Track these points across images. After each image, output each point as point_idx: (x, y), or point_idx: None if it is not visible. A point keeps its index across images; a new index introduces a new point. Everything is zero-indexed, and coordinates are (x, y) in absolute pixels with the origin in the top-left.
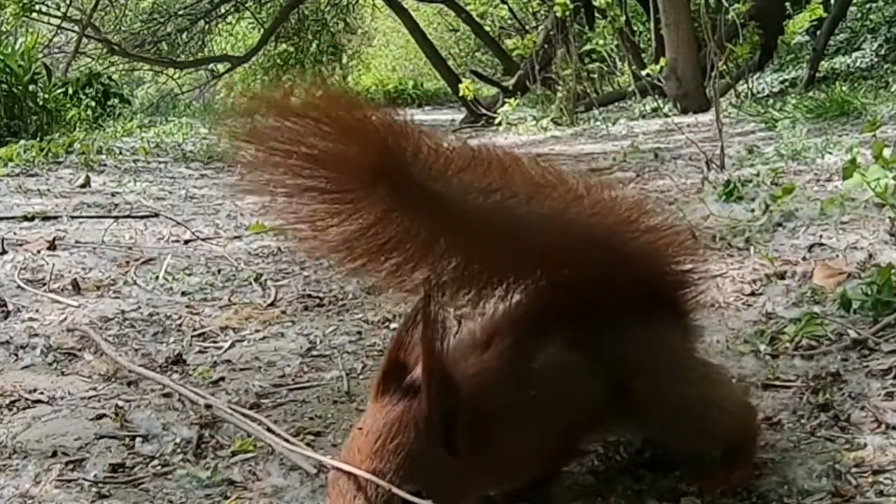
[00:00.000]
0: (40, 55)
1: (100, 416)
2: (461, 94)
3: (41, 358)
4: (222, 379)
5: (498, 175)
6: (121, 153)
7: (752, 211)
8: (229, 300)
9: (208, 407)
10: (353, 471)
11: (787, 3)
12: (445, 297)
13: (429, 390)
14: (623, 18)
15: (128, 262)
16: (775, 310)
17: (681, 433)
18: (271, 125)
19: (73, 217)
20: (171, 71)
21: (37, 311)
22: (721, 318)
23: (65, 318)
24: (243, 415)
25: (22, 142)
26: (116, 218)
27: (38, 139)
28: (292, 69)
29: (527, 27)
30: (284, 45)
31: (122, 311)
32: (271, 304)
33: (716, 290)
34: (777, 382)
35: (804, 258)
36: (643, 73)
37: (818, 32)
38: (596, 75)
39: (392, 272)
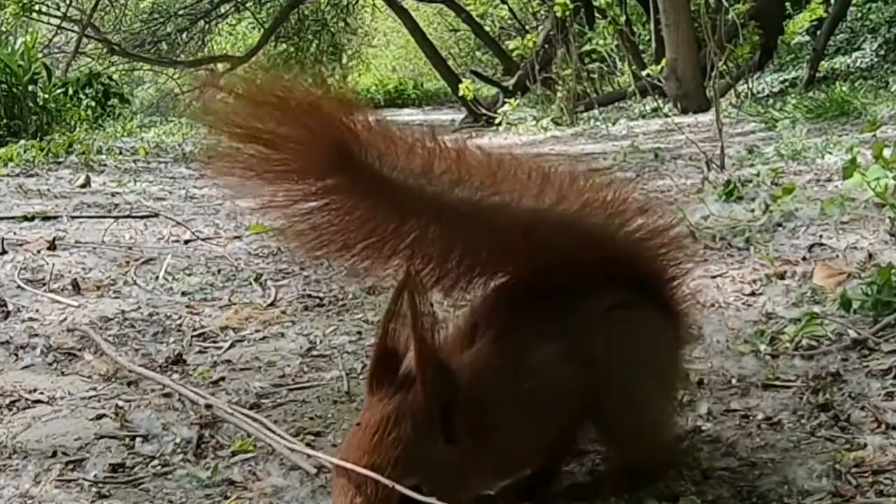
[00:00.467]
0: (40, 55)
1: (100, 416)
2: (461, 94)
3: (41, 358)
4: (222, 379)
5: (453, 162)
6: (121, 153)
7: (752, 211)
8: (229, 300)
9: (208, 407)
10: (351, 467)
11: (787, 3)
12: (425, 285)
13: (423, 380)
14: (623, 18)
15: (128, 262)
16: (775, 310)
17: (609, 429)
18: (234, 108)
19: (73, 217)
20: (171, 71)
21: (37, 311)
22: (721, 318)
23: (65, 318)
24: (243, 415)
25: (22, 142)
26: (116, 218)
27: (38, 139)
28: (292, 69)
29: (527, 27)
30: (284, 45)
31: (122, 311)
32: (271, 304)
33: (716, 290)
34: (777, 382)
35: (804, 258)
36: (643, 73)
37: (818, 32)
38: (596, 75)
39: (366, 258)
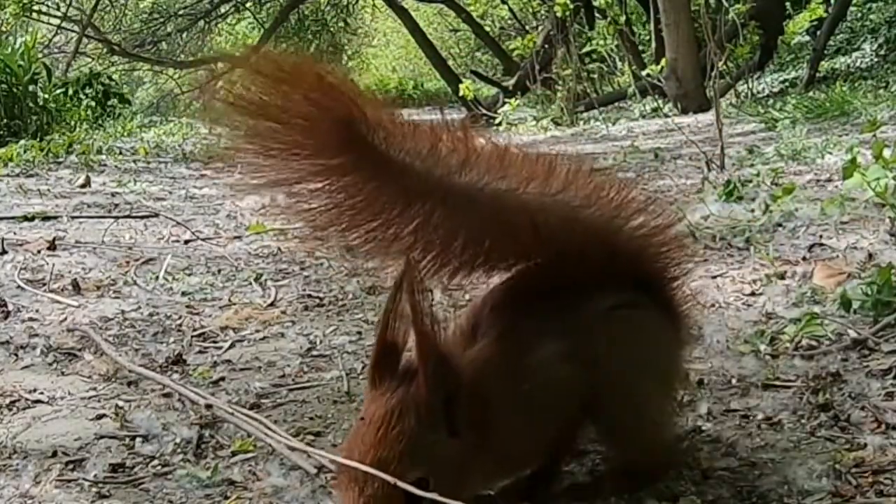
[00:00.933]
0: (40, 55)
1: (100, 416)
2: (461, 94)
3: (41, 358)
4: (222, 379)
5: (460, 145)
6: (121, 153)
7: (752, 211)
8: (229, 300)
9: (208, 407)
10: (353, 465)
11: (787, 3)
12: (425, 277)
13: (426, 373)
14: (623, 18)
15: (128, 262)
16: (775, 310)
17: (609, 429)
18: (244, 83)
19: (73, 217)
20: (171, 71)
21: (37, 311)
22: (721, 318)
23: (65, 318)
24: (244, 415)
25: (22, 142)
26: (116, 218)
27: (38, 139)
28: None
29: (527, 27)
30: (284, 45)
31: (122, 311)
32: (271, 304)
33: (716, 290)
34: (777, 382)
35: (804, 258)
36: (643, 73)
37: (818, 32)
38: (596, 75)
39: (368, 241)
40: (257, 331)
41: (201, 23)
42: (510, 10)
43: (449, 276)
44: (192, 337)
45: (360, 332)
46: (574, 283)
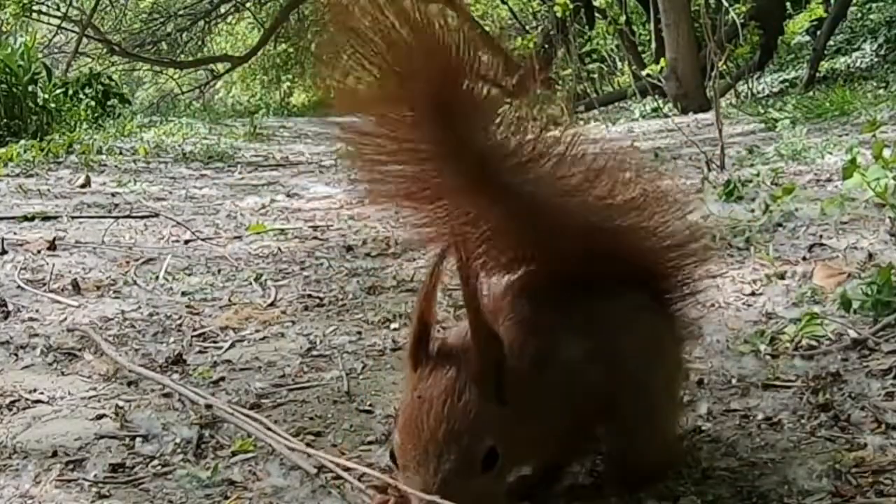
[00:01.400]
0: (40, 55)
1: (100, 416)
2: None
3: (41, 358)
4: (222, 379)
5: (539, 140)
6: (121, 153)
7: (752, 211)
8: (229, 300)
9: (208, 407)
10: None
11: (787, 3)
12: (472, 257)
13: (478, 346)
14: (623, 18)
15: (128, 262)
16: (775, 310)
17: (620, 428)
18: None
19: (73, 217)
20: (171, 71)
21: (37, 311)
22: (721, 318)
23: (65, 318)
24: (244, 415)
25: (22, 142)
26: (116, 218)
27: (38, 139)
28: (292, 69)
29: (527, 27)
30: (284, 46)
31: (122, 311)
32: (271, 304)
33: (716, 290)
34: (777, 382)
35: (804, 258)
36: (643, 73)
37: (818, 32)
38: (596, 75)
39: (433, 218)
40: (257, 331)
41: (201, 23)
42: (510, 10)
43: (486, 269)
44: (192, 337)
45: (360, 332)
46: (596, 280)
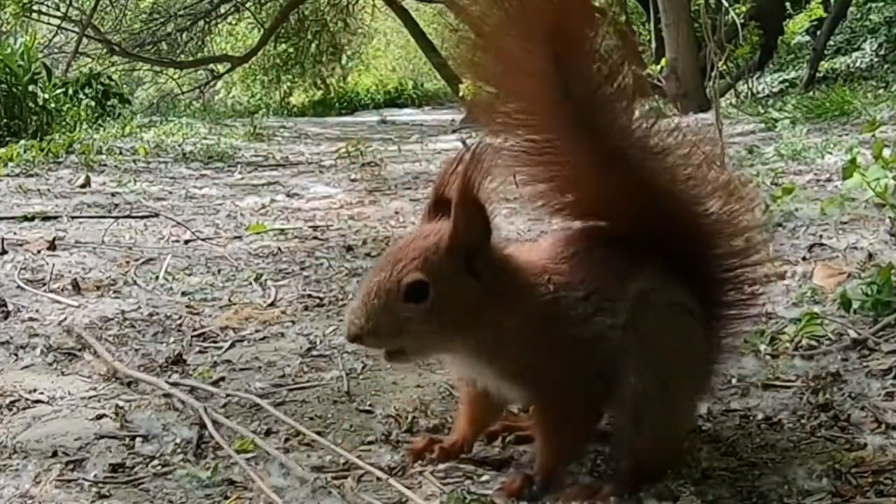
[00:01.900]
0: (40, 55)
1: (100, 416)
2: (461, 94)
3: (41, 358)
4: (222, 379)
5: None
6: (121, 153)
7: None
8: (229, 300)
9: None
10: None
11: (787, 3)
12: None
13: (458, 210)
14: (623, 18)
15: (128, 262)
16: (775, 310)
17: (632, 412)
18: None
19: (73, 217)
20: (171, 71)
21: (37, 311)
22: None
23: (65, 318)
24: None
25: (22, 142)
26: (116, 218)
27: (38, 139)
28: (292, 69)
29: None
30: (284, 46)
31: (122, 311)
32: (271, 304)
33: None
34: (777, 382)
35: (804, 258)
36: (643, 72)
37: (818, 32)
38: None
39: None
40: (257, 331)
41: (201, 23)
42: None
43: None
44: (192, 337)
45: None
46: (647, 262)
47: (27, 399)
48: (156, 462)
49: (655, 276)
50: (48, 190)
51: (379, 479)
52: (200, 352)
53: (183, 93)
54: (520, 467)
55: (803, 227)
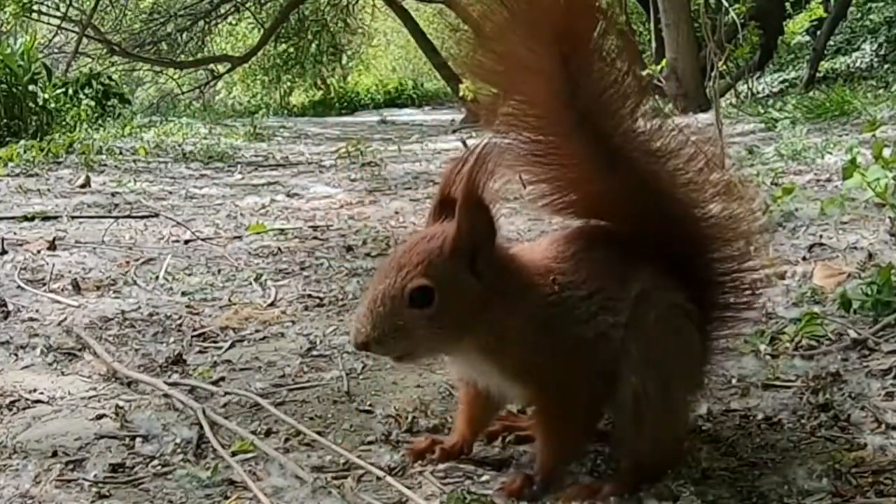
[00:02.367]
0: (40, 55)
1: (100, 416)
2: (461, 94)
3: (41, 358)
4: (222, 379)
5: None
6: (121, 153)
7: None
8: (229, 300)
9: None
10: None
11: (787, 3)
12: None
13: (462, 211)
14: (623, 18)
15: (128, 262)
16: (775, 310)
17: (630, 414)
18: None
19: (73, 217)
20: (171, 71)
21: (37, 311)
22: None
23: (65, 318)
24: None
25: (22, 142)
26: (116, 218)
27: (38, 139)
28: (292, 69)
29: None
30: (284, 46)
31: (122, 311)
32: (271, 304)
33: None
34: (777, 382)
35: (804, 258)
36: (643, 72)
37: (818, 32)
38: None
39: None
40: (257, 331)
41: (201, 23)
42: None
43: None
44: (192, 337)
45: None
46: (647, 263)
47: (27, 399)
48: (156, 462)
49: (656, 277)
50: (48, 190)
51: (379, 479)
52: (200, 352)
53: (183, 93)
54: (520, 467)
55: (803, 227)
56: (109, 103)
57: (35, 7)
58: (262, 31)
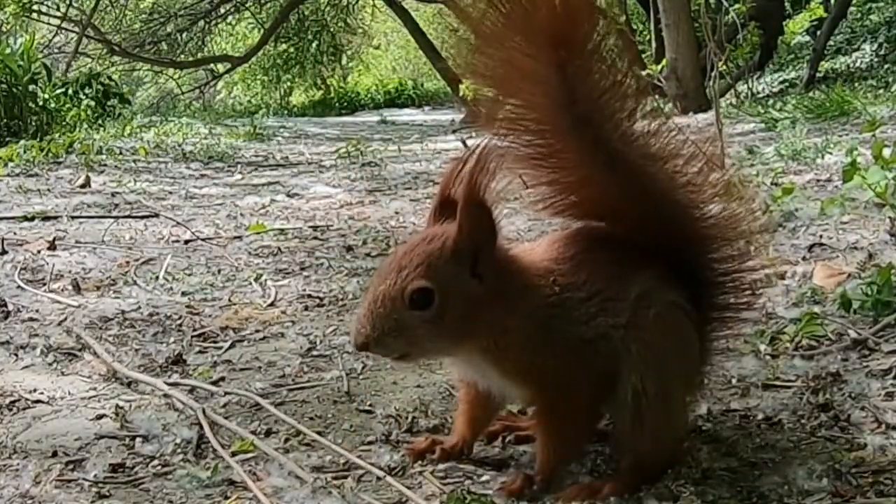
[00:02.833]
0: (40, 55)
1: (100, 416)
2: (461, 94)
3: (41, 358)
4: (222, 379)
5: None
6: (121, 153)
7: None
8: (229, 300)
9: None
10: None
11: (787, 3)
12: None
13: (463, 213)
14: (623, 18)
15: (128, 262)
16: (775, 310)
17: (630, 413)
18: None
19: (73, 217)
20: (171, 71)
21: (37, 311)
22: None
23: (65, 318)
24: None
25: (22, 142)
26: (116, 218)
27: (38, 139)
28: (292, 69)
29: None
30: (284, 46)
31: (122, 311)
32: (271, 304)
33: None
34: (777, 382)
35: (804, 258)
36: (643, 73)
37: (818, 32)
38: None
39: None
40: (257, 331)
41: (201, 23)
42: None
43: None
44: (192, 337)
45: None
46: (648, 263)
47: (27, 399)
48: (156, 462)
49: (656, 278)
50: (48, 190)
51: (379, 479)
52: (200, 352)
53: (183, 93)
54: (520, 467)
55: (803, 227)
56: (109, 103)
57: (35, 7)
58: (262, 31)
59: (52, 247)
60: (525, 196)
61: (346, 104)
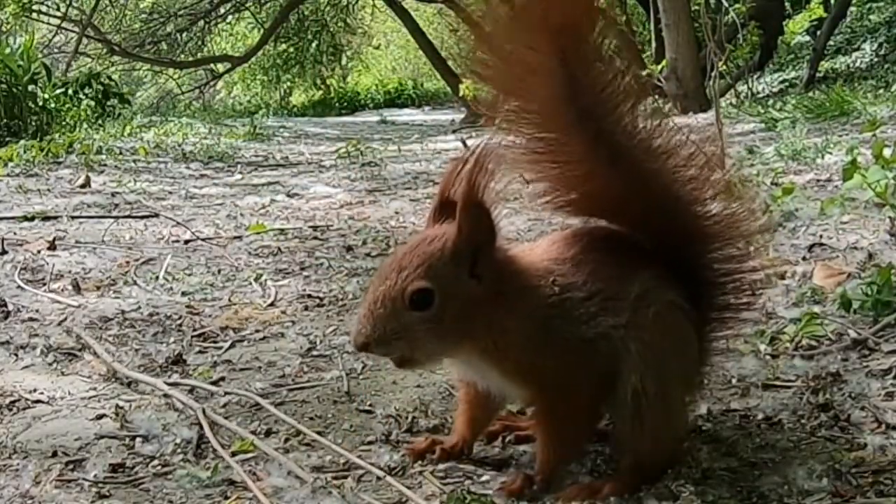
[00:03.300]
0: (40, 55)
1: (100, 416)
2: (461, 94)
3: (41, 358)
4: (222, 379)
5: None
6: (121, 153)
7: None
8: (229, 300)
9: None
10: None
11: (787, 3)
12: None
13: (462, 214)
14: (623, 18)
15: (128, 262)
16: (775, 310)
17: (630, 413)
18: None
19: (73, 217)
20: (171, 71)
21: (37, 311)
22: None
23: (65, 318)
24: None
25: (22, 142)
26: (116, 218)
27: (38, 139)
28: (292, 69)
29: None
30: (284, 46)
31: (122, 311)
32: (271, 304)
33: None
34: (777, 382)
35: (804, 258)
36: (643, 73)
37: (818, 32)
38: None
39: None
40: (257, 331)
41: (201, 23)
42: None
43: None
44: (192, 337)
45: None
46: (648, 262)
47: (27, 399)
48: (156, 462)
49: (655, 277)
50: (48, 190)
51: (379, 479)
52: (200, 352)
53: (183, 93)
54: (520, 467)
55: (803, 227)
56: (109, 103)
57: (35, 7)
58: (262, 31)
59: (52, 247)
60: (526, 194)
61: (346, 104)
